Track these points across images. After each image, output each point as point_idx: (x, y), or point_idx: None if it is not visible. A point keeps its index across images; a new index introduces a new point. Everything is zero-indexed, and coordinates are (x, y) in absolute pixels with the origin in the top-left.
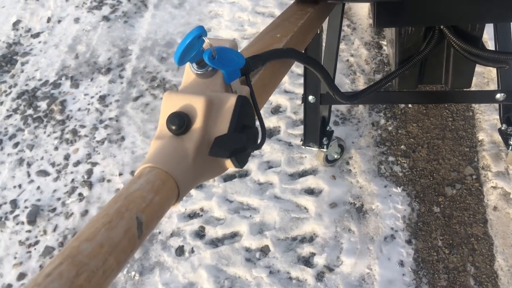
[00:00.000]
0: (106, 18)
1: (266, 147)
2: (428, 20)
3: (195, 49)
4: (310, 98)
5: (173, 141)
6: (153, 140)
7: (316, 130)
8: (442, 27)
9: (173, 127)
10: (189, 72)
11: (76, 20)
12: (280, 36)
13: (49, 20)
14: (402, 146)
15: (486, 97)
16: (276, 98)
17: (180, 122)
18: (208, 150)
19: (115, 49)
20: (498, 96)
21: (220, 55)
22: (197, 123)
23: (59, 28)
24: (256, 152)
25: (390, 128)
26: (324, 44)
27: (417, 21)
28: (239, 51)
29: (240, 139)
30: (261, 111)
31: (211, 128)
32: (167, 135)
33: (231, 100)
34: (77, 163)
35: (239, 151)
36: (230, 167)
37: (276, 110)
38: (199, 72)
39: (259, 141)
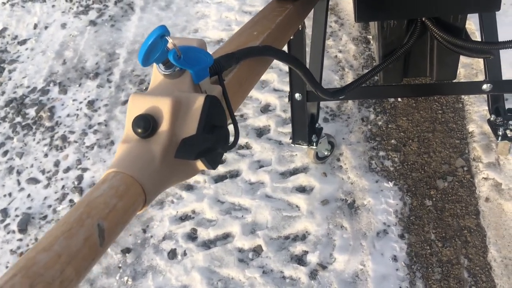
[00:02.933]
0: (93, 23)
1: (257, 147)
2: (408, 13)
3: (159, 49)
4: (297, 95)
5: (139, 144)
6: (119, 144)
7: (304, 128)
8: (424, 19)
9: (139, 130)
10: (157, 72)
11: (63, 25)
12: (257, 33)
13: (35, 26)
14: (393, 141)
15: (473, 88)
16: (265, 97)
17: (145, 124)
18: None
19: (102, 53)
20: (484, 87)
21: (186, 55)
22: (164, 125)
23: (46, 34)
24: (246, 151)
25: (380, 123)
26: (309, 41)
27: (398, 14)
28: (217, 48)
29: (207, 140)
30: (250, 111)
31: (178, 129)
32: (133, 138)
33: (199, 100)
34: (67, 170)
35: (207, 152)
36: (202, 168)
37: (266, 109)
38: (166, 73)
39: (231, 141)
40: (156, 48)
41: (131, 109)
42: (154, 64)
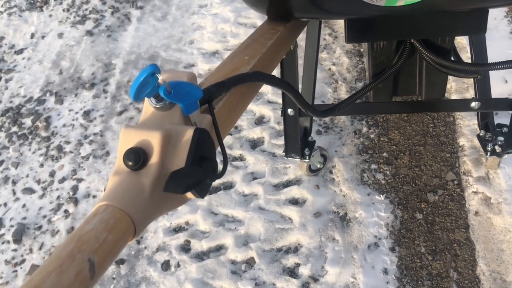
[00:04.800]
0: (89, 33)
1: (251, 158)
2: (397, 35)
3: (150, 85)
4: (289, 111)
5: (130, 176)
6: (110, 176)
7: (297, 142)
8: (412, 40)
9: (129, 163)
10: (148, 105)
11: (60, 35)
12: (248, 58)
13: (32, 36)
14: (385, 154)
15: (461, 106)
16: (259, 109)
17: (136, 157)
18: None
19: (99, 63)
20: (473, 104)
21: (176, 89)
22: (154, 158)
23: (42, 44)
24: (240, 163)
25: (372, 136)
26: (303, 57)
27: (386, 36)
28: (209, 74)
29: (196, 174)
30: (245, 123)
31: (168, 162)
32: (124, 170)
33: (188, 133)
34: (62, 180)
35: (195, 185)
36: (191, 197)
37: (260, 121)
38: (157, 106)
39: (220, 170)
40: (147, 85)
41: (123, 142)
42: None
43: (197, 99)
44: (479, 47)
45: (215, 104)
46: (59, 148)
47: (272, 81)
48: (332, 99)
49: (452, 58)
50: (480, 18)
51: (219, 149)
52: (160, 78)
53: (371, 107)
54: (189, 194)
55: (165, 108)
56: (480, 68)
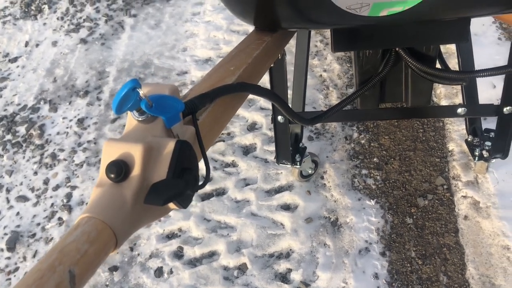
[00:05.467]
0: (83, 41)
1: (243, 165)
2: (382, 44)
3: (131, 99)
4: (279, 118)
5: (112, 189)
6: (94, 187)
7: (288, 148)
8: (397, 48)
9: (112, 175)
10: (131, 118)
11: (54, 43)
12: (234, 69)
13: (27, 44)
14: (375, 159)
15: (448, 112)
16: (251, 115)
17: (118, 170)
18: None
19: (92, 71)
20: (459, 110)
21: (158, 103)
22: (136, 170)
23: (37, 52)
24: (233, 169)
25: (363, 141)
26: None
27: (371, 45)
28: (195, 84)
29: (177, 186)
30: (237, 129)
31: (149, 174)
32: (106, 183)
33: (170, 146)
34: (56, 187)
35: (175, 197)
36: (174, 208)
37: (252, 127)
38: (139, 119)
39: (202, 181)
40: (128, 99)
41: (105, 155)
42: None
43: (179, 112)
44: (466, 54)
45: (199, 115)
46: (53, 156)
47: (257, 91)
48: (323, 105)
49: (438, 66)
50: (462, 27)
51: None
52: (141, 92)
53: (359, 113)
54: (171, 205)
55: (148, 121)
56: (463, 76)
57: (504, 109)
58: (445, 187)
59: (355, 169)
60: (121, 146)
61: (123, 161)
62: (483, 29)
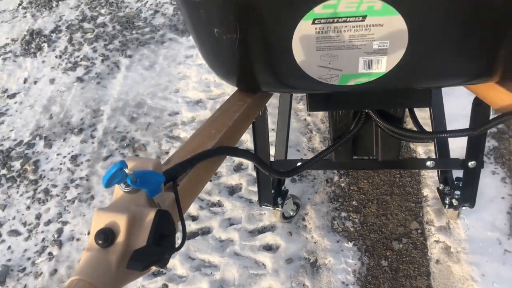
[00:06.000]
0: (80, 79)
1: (228, 205)
2: (352, 105)
3: (119, 176)
4: None
5: (99, 253)
6: (84, 251)
7: (270, 192)
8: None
9: (99, 242)
10: (118, 189)
11: (52, 81)
12: (215, 132)
13: (25, 81)
14: (354, 202)
15: (418, 164)
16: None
17: (105, 237)
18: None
19: (87, 109)
20: (428, 163)
21: (141, 178)
22: (120, 237)
23: (34, 89)
24: (218, 209)
25: (343, 185)
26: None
27: (343, 106)
28: (178, 148)
29: (155, 253)
30: (224, 169)
31: (132, 241)
32: (95, 248)
33: (150, 215)
34: (48, 222)
35: (153, 263)
36: (153, 267)
37: (238, 168)
38: (125, 190)
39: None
40: (116, 176)
41: (95, 223)
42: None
43: (160, 184)
44: (437, 111)
45: (180, 181)
46: (46, 191)
47: (236, 153)
48: (306, 148)
49: (414, 123)
50: (424, 94)
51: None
52: (127, 171)
53: (334, 163)
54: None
55: (132, 192)
56: (426, 136)
57: (469, 163)
58: (419, 231)
59: (335, 211)
60: (108, 215)
61: (109, 229)
62: None
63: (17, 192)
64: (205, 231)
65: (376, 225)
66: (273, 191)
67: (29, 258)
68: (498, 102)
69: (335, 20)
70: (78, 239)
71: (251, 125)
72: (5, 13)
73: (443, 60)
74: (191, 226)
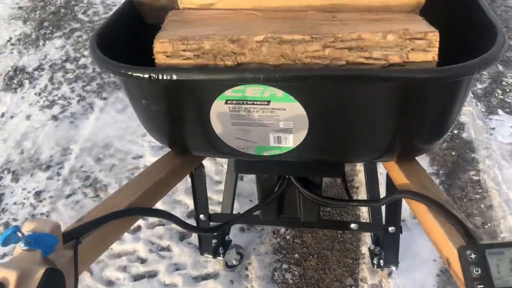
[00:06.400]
0: (54, 117)
1: (177, 250)
2: (273, 171)
3: (13, 238)
4: (201, 216)
5: None
6: None
7: (210, 241)
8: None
9: None
10: (18, 247)
11: (28, 117)
12: (132, 193)
13: (2, 115)
14: (296, 255)
15: (343, 226)
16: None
17: None
18: None
19: (58, 147)
20: (352, 225)
21: (35, 240)
22: None
23: (10, 123)
24: (167, 253)
25: (288, 237)
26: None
27: (265, 171)
28: (96, 206)
29: None
30: (178, 215)
31: None
32: None
33: (40, 273)
34: (3, 256)
35: None
36: None
37: (191, 214)
38: (23, 249)
39: None
40: (11, 238)
41: None
42: None
43: (53, 245)
44: (371, 177)
45: (83, 239)
46: (6, 225)
47: (150, 213)
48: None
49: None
50: (337, 166)
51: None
52: (20, 234)
53: (261, 220)
54: None
55: (30, 250)
56: (339, 204)
57: (389, 229)
58: (353, 287)
59: (277, 263)
60: (1, 271)
61: (1, 284)
62: None
63: None
64: (152, 274)
65: (314, 279)
66: (215, 240)
67: None
68: (396, 179)
69: (244, 102)
70: None
71: (190, 181)
72: None
73: (343, 142)
74: (139, 269)
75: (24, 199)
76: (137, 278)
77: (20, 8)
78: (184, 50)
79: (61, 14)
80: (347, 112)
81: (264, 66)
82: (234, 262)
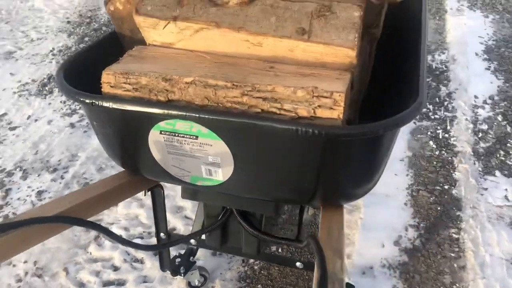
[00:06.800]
0: (72, 125)
1: (149, 263)
2: (212, 201)
3: None
4: (161, 235)
5: None
6: None
7: (168, 259)
8: None
9: None
10: None
11: (49, 122)
12: (69, 201)
13: (28, 117)
14: (259, 286)
15: (288, 262)
16: (174, 221)
17: None
18: None
19: (67, 153)
20: (298, 264)
21: None
22: None
23: (33, 126)
24: (139, 265)
25: (256, 267)
26: None
27: (206, 199)
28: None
29: None
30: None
31: None
32: None
33: None
34: None
35: None
36: None
37: (171, 229)
38: None
39: None
40: None
41: None
42: None
43: None
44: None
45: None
46: (5, 217)
47: (79, 223)
48: None
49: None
50: (269, 204)
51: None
52: None
53: (205, 244)
54: None
55: None
56: (273, 240)
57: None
58: None
59: None
60: None
61: None
62: (394, 192)
63: None
64: (120, 283)
65: None
66: (179, 259)
67: None
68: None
69: (176, 134)
70: (14, 265)
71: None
72: (37, 56)
73: (266, 184)
74: (110, 275)
75: (27, 196)
76: (106, 284)
77: (68, 22)
78: (125, 83)
79: (102, 31)
80: (265, 156)
81: (191, 105)
82: (197, 283)
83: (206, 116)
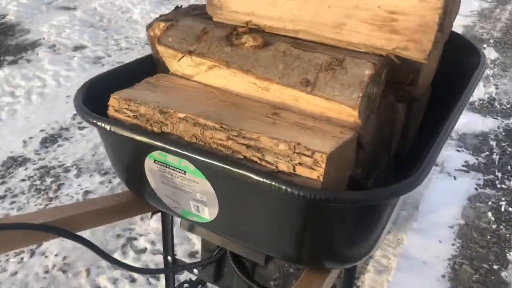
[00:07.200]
0: None
1: (163, 281)
2: (206, 236)
3: None
4: (169, 258)
5: None
6: None
7: (173, 285)
8: None
9: None
10: None
11: None
12: (61, 213)
13: None
14: None
15: None
16: (199, 244)
17: None
18: None
19: None
20: None
21: None
22: None
23: None
24: (154, 281)
25: None
26: None
27: (203, 235)
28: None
29: None
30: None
31: None
32: None
33: None
34: None
35: None
36: None
37: (195, 252)
38: None
39: None
40: None
41: None
42: None
43: None
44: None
45: None
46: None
47: (65, 235)
48: None
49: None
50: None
51: None
52: None
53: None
54: None
55: None
56: None
57: None
58: None
59: None
60: None
61: None
62: (433, 260)
63: (34, 202)
64: None
65: None
66: (187, 285)
67: None
68: None
69: (167, 166)
70: (46, 256)
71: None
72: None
73: (250, 233)
74: (126, 286)
75: (75, 193)
76: None
77: None
78: (126, 109)
79: None
80: (246, 203)
81: (180, 140)
82: None
83: (188, 154)
